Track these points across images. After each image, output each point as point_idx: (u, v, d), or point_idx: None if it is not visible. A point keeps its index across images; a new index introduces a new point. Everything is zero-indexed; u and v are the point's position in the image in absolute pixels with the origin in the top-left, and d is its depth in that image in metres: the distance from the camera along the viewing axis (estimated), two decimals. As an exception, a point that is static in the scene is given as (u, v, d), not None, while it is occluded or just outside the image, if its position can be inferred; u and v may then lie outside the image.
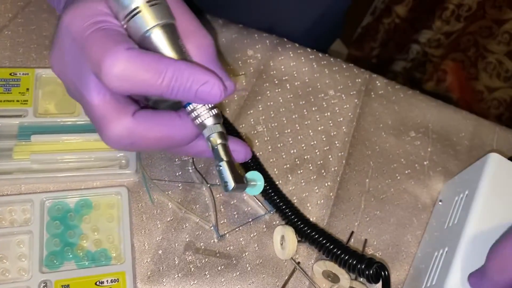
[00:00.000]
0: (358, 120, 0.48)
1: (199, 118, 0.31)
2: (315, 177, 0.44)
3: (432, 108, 0.51)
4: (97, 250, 0.37)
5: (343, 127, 0.48)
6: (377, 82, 0.51)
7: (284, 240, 0.39)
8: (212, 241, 0.39)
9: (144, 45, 0.30)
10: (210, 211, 0.41)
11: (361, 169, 0.46)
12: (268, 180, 0.41)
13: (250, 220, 0.41)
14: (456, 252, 0.34)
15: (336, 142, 0.47)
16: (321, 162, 0.45)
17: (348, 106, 0.49)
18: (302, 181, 0.44)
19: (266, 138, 0.45)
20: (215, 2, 0.55)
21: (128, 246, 0.37)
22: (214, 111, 0.32)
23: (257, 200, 0.42)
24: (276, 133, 0.46)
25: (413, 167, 0.47)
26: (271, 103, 0.48)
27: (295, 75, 0.50)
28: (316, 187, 0.44)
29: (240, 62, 0.50)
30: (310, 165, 0.45)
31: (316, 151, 0.46)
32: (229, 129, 0.44)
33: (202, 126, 0.32)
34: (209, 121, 0.31)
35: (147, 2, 0.29)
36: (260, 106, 0.47)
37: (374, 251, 0.42)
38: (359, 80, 0.51)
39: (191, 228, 0.40)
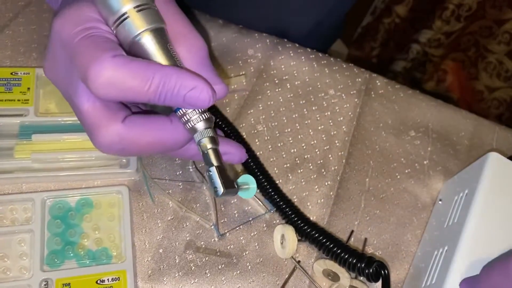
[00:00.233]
0: (358, 119, 0.49)
1: (189, 123, 0.31)
2: (315, 176, 0.44)
3: (432, 107, 0.51)
4: (98, 249, 0.37)
5: (343, 127, 0.48)
6: (377, 81, 0.52)
7: (284, 239, 0.39)
8: (212, 240, 0.40)
9: (134, 50, 0.30)
10: (210, 210, 0.41)
11: (361, 168, 0.46)
12: (268, 179, 0.41)
13: (251, 219, 0.41)
14: (455, 251, 0.34)
15: (336, 142, 0.47)
16: (321, 161, 0.45)
17: (348, 105, 0.49)
18: (302, 180, 0.44)
19: (266, 138, 0.46)
20: (216, 2, 0.55)
21: (129, 245, 0.37)
22: (205, 115, 0.31)
23: (257, 199, 0.42)
24: (276, 132, 0.46)
25: (413, 166, 0.47)
26: (271, 102, 0.48)
27: (295, 74, 0.50)
28: (316, 186, 0.44)
29: (240, 62, 0.50)
30: (310, 164, 0.45)
31: (316, 150, 0.46)
32: (229, 129, 0.44)
33: (193, 130, 0.31)
34: (200, 126, 0.31)
35: (136, 7, 0.29)
36: (260, 105, 0.47)
37: (374, 250, 0.42)
38: (359, 79, 0.51)
39: (191, 227, 0.40)
